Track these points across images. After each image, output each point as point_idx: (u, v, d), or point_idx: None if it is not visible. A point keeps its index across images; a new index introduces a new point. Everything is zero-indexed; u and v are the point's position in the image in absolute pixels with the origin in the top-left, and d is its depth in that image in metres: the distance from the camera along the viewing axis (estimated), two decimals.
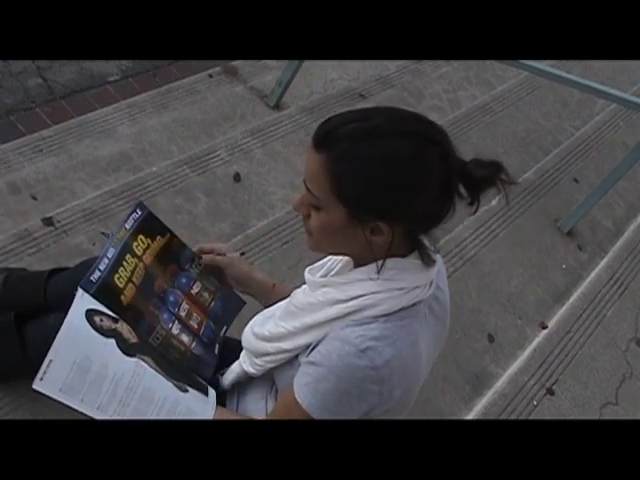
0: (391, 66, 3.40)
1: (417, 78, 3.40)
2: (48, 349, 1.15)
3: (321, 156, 0.99)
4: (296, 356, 1.15)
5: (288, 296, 1.26)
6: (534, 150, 3.23)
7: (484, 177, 1.01)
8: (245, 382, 1.32)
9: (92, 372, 1.14)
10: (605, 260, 2.79)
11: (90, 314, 1.22)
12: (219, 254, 1.48)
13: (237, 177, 2.47)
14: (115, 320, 1.25)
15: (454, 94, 3.44)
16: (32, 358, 1.39)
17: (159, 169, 2.35)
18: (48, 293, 1.48)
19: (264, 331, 1.22)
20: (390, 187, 0.98)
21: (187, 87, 2.89)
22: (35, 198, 2.20)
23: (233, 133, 2.68)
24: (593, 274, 2.68)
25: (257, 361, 1.24)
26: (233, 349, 1.36)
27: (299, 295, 1.21)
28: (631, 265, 2.79)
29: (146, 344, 1.29)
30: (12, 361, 1.45)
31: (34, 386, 1.10)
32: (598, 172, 3.13)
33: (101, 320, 1.23)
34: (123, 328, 1.25)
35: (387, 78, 3.31)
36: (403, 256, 1.07)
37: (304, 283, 1.23)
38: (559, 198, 2.95)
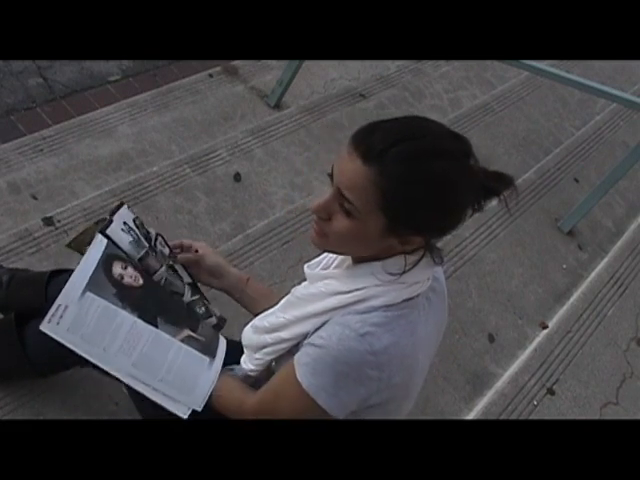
0: (391, 66, 3.40)
1: (417, 78, 3.40)
2: (48, 349, 1.16)
3: (369, 170, 0.99)
4: (296, 345, 1.16)
5: (272, 294, 1.28)
6: (534, 150, 3.22)
7: (493, 189, 1.05)
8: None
9: (98, 317, 1.21)
10: (605, 260, 2.78)
11: (106, 260, 1.29)
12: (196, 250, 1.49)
13: (237, 177, 2.47)
14: (124, 266, 1.31)
15: (454, 94, 3.44)
16: (32, 358, 1.39)
17: (159, 169, 2.35)
18: (49, 295, 1.48)
19: (264, 323, 1.24)
20: (440, 207, 1.01)
21: (187, 87, 2.89)
22: (35, 198, 2.20)
23: (233, 133, 2.68)
24: (593, 274, 2.68)
25: (256, 355, 1.25)
26: (234, 349, 1.36)
27: (300, 288, 1.22)
28: (631, 265, 2.78)
29: (152, 283, 1.35)
30: (12, 361, 1.45)
31: (42, 328, 1.18)
32: (598, 172, 3.12)
33: (112, 265, 1.29)
34: (129, 271, 1.31)
35: (387, 78, 3.30)
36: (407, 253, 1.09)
37: (304, 280, 1.23)
38: (559, 198, 2.95)
